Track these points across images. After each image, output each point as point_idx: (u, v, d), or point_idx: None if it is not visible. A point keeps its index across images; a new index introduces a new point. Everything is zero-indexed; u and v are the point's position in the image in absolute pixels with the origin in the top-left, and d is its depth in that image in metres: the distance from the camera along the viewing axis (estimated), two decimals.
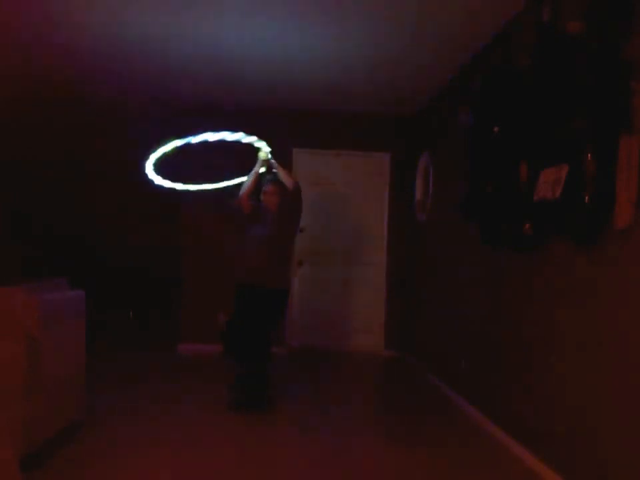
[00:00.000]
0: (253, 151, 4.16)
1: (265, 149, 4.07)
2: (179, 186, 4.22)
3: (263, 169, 4.14)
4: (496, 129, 3.34)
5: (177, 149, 3.69)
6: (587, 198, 2.41)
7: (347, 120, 6.09)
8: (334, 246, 6.21)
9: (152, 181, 3.96)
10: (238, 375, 3.98)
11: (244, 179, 4.23)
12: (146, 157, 3.77)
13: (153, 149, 3.70)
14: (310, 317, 6.16)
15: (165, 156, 3.72)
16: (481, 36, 3.85)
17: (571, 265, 2.77)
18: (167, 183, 4.08)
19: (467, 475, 3.05)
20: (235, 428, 3.66)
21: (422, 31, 3.83)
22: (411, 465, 3.15)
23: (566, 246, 2.78)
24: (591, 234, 2.52)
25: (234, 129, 6.27)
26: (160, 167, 3.89)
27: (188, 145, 3.72)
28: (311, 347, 6.11)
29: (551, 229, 2.85)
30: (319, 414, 4.02)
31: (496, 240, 3.53)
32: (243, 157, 4.46)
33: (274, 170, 4.11)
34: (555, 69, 2.73)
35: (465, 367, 4.20)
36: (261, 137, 6.04)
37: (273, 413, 3.99)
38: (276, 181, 4.11)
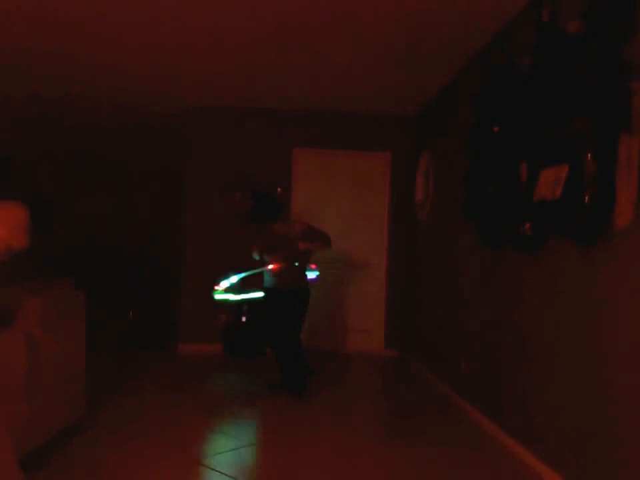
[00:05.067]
0: None
1: None
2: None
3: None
4: (496, 128, 3.35)
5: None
6: (586, 198, 2.41)
7: (347, 120, 6.09)
8: (333, 246, 6.20)
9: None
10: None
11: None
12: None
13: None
14: (310, 317, 6.14)
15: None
16: (481, 36, 3.85)
17: (571, 265, 2.77)
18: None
19: (467, 475, 3.05)
20: (235, 427, 3.65)
21: (422, 30, 3.83)
22: (410, 464, 3.15)
23: (566, 246, 2.78)
24: (591, 234, 2.52)
25: (234, 129, 6.30)
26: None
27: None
28: (310, 347, 6.10)
29: (551, 229, 2.85)
30: (319, 412, 4.02)
31: (496, 240, 3.53)
32: None
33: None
34: (555, 68, 2.73)
35: (465, 367, 4.20)
36: (261, 137, 6.11)
37: (273, 412, 3.99)
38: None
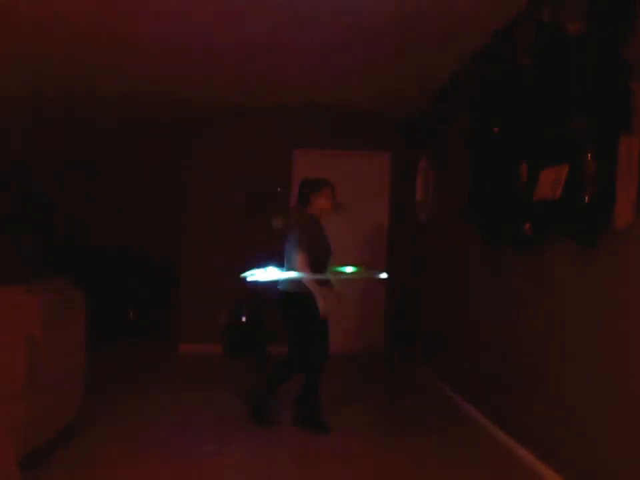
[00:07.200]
0: None
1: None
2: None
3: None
4: (496, 129, 3.35)
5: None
6: (586, 198, 2.41)
7: (346, 120, 6.09)
8: (334, 246, 6.19)
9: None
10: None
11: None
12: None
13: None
14: None
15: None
16: (481, 36, 3.85)
17: (571, 265, 2.77)
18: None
19: (467, 475, 3.05)
20: (235, 427, 3.66)
21: (422, 30, 3.83)
22: (410, 465, 3.15)
23: (566, 246, 2.78)
24: (590, 234, 2.52)
25: (234, 129, 6.30)
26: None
27: None
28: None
29: (551, 229, 2.85)
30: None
31: (496, 240, 3.53)
32: None
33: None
34: (555, 68, 2.73)
35: (465, 367, 4.20)
36: (262, 138, 6.11)
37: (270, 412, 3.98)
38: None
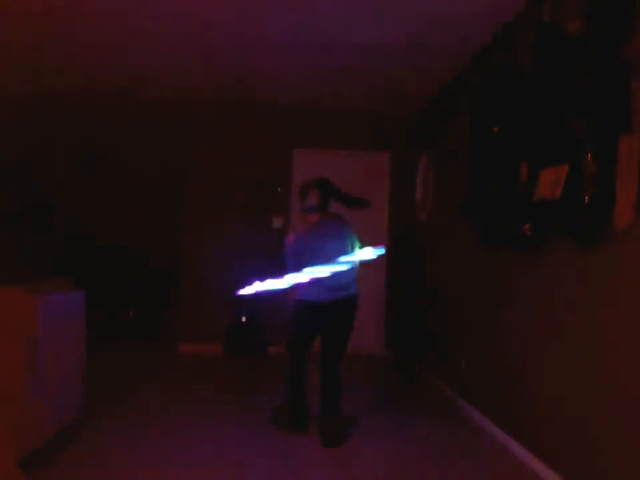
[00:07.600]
0: None
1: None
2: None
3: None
4: (496, 129, 3.34)
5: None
6: (586, 198, 2.41)
7: (347, 120, 6.09)
8: None
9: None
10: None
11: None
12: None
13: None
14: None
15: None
16: (481, 36, 3.86)
17: (571, 265, 2.77)
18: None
19: (467, 475, 3.05)
20: (234, 428, 3.65)
21: (422, 30, 3.83)
22: (409, 464, 3.15)
23: (566, 246, 2.78)
24: (590, 234, 2.52)
25: (234, 129, 6.29)
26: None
27: None
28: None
29: (551, 229, 2.85)
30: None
31: (496, 240, 3.53)
32: None
33: None
34: (555, 68, 2.73)
35: (465, 367, 4.20)
36: (262, 137, 6.11)
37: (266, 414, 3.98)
38: None
